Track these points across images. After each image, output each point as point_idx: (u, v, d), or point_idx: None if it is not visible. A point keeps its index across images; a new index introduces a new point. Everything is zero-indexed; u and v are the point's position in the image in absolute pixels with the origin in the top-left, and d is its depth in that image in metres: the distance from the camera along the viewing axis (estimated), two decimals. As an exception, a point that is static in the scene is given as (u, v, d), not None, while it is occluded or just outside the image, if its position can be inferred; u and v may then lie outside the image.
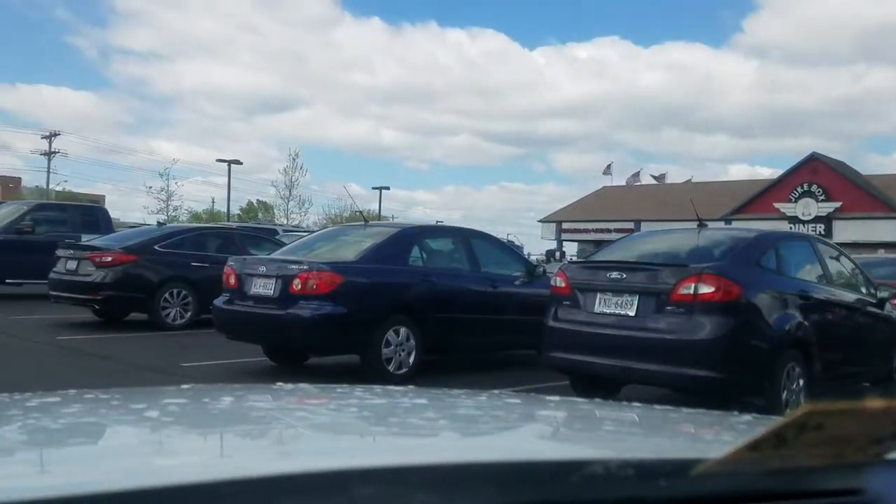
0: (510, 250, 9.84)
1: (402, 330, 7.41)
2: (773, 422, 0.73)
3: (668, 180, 50.15)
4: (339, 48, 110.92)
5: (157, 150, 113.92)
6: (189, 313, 10.74)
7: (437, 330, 7.64)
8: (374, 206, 48.76)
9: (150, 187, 46.53)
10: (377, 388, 1.56)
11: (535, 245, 48.79)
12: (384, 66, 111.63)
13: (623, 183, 51.33)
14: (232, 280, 7.80)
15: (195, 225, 13.45)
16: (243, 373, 7.69)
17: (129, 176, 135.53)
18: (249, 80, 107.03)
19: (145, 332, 10.33)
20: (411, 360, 7.46)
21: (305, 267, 7.23)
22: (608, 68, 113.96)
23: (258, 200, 59.83)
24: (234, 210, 52.96)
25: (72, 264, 10.86)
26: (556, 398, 1.46)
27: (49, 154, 49.51)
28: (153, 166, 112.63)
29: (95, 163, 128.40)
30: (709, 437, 1.23)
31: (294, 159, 49.11)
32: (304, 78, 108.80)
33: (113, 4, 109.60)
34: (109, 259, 10.56)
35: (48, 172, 49.45)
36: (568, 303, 6.38)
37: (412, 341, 7.46)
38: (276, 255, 8.54)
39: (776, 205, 37.05)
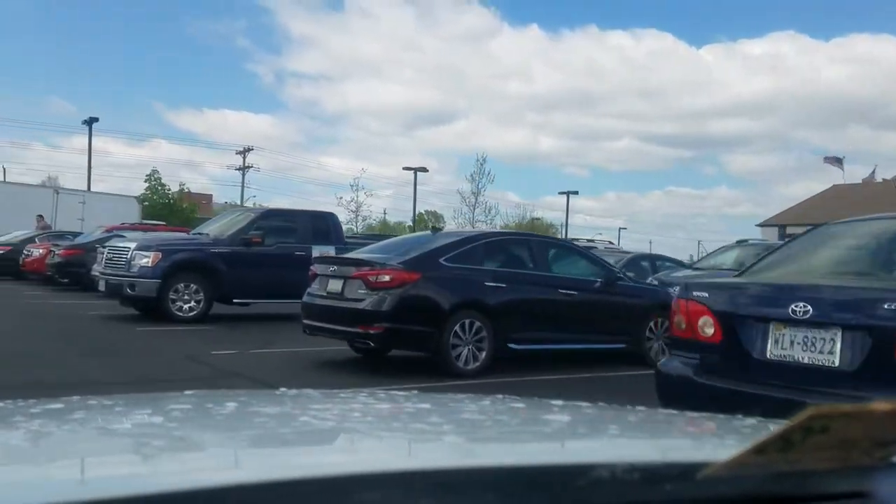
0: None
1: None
2: (778, 425, 0.73)
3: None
4: (497, 58, 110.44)
5: (328, 165, 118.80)
6: (484, 353, 7.88)
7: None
8: (536, 215, 50.21)
9: (341, 197, 46.87)
10: (381, 392, 1.57)
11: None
12: (543, 73, 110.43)
13: (858, 181, 46.85)
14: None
15: (482, 231, 10.74)
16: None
17: (307, 190, 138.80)
18: (410, 96, 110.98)
19: (423, 378, 7.51)
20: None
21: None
22: (784, 64, 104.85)
23: (427, 211, 58.75)
24: (404, 220, 52.11)
25: (335, 284, 8.08)
26: (560, 402, 1.45)
27: (243, 169, 51.35)
28: (327, 180, 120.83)
29: (277, 179, 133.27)
30: (713, 441, 1.24)
31: (482, 165, 47.24)
32: (463, 90, 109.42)
33: (287, 32, 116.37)
34: (387, 278, 7.69)
35: (242, 187, 51.19)
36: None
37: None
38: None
39: None
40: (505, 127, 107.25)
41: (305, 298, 8.59)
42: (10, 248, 21.45)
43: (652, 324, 9.15)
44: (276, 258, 12.03)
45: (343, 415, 1.36)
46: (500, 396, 1.50)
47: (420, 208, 59.62)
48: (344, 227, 17.52)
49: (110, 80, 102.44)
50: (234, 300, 12.06)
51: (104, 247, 12.87)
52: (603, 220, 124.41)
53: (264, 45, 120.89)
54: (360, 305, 7.71)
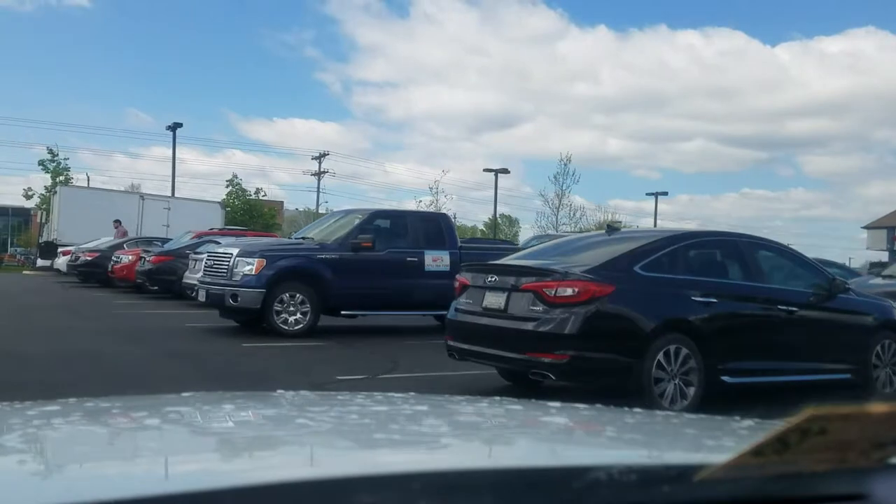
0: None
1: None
2: (775, 427, 0.73)
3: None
4: (564, 60, 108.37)
5: (392, 171, 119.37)
6: (692, 389, 6.05)
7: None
8: (606, 219, 44.89)
9: (420, 201, 43.57)
10: (378, 395, 1.56)
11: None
12: (610, 74, 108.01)
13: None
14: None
15: (677, 231, 7.86)
16: None
17: (374, 196, 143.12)
18: (475, 100, 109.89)
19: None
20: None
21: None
22: (864, 62, 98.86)
23: (501, 214, 54.77)
24: (468, 224, 50.37)
25: (495, 298, 6.38)
26: (558, 404, 1.45)
27: (318, 174, 50.53)
28: (395, 185, 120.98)
29: (346, 185, 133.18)
30: (711, 443, 1.22)
31: (566, 165, 43.98)
32: (528, 93, 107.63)
33: (353, 41, 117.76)
34: (573, 292, 5.93)
35: (318, 192, 50.53)
36: None
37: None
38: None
39: None
40: (572, 129, 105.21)
41: (452, 315, 6.87)
42: (97, 254, 20.89)
43: (879, 347, 7.28)
44: (387, 265, 10.70)
45: (340, 417, 1.36)
46: (498, 398, 1.50)
47: (486, 213, 58.40)
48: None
49: (185, 92, 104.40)
50: (342, 312, 10.62)
51: (203, 253, 12.11)
52: (675, 224, 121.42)
53: (332, 55, 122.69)
54: (535, 326, 5.99)
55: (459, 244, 11.69)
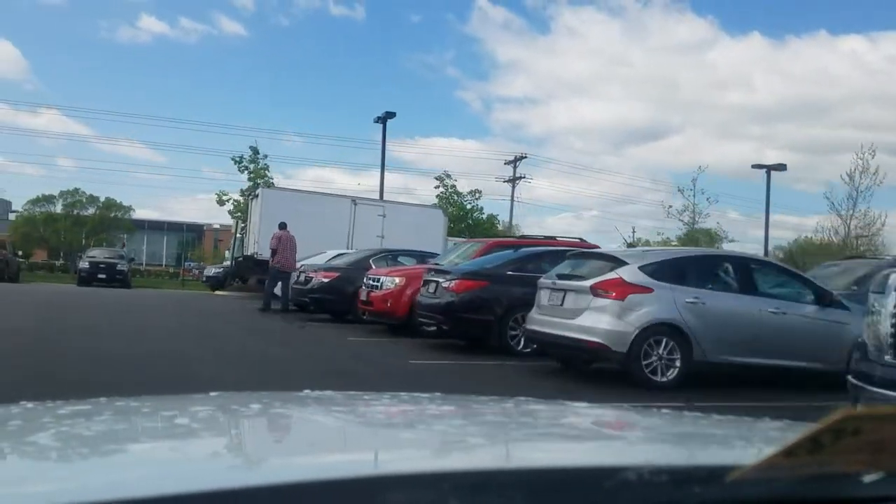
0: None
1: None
2: (807, 427, 0.72)
3: None
4: (714, 69, 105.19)
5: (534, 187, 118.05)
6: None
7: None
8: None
9: (670, 206, 37.96)
10: (404, 394, 1.58)
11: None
12: (766, 82, 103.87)
13: None
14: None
15: None
16: None
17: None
18: (618, 113, 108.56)
19: None
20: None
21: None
22: None
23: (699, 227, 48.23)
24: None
25: None
26: (584, 404, 1.45)
27: (513, 180, 42.95)
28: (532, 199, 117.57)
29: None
30: (741, 443, 1.21)
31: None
32: (676, 104, 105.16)
33: (494, 58, 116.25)
34: None
35: (512, 201, 42.65)
36: None
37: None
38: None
39: None
40: (724, 140, 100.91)
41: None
42: (336, 274, 14.84)
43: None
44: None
45: (367, 417, 1.38)
46: (523, 399, 1.50)
47: (626, 228, 51.42)
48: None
49: (338, 114, 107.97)
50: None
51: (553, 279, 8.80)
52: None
53: (472, 73, 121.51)
54: None
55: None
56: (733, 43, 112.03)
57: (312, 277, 15.37)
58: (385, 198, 29.87)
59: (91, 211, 67.55)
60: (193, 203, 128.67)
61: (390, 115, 33.02)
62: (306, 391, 1.58)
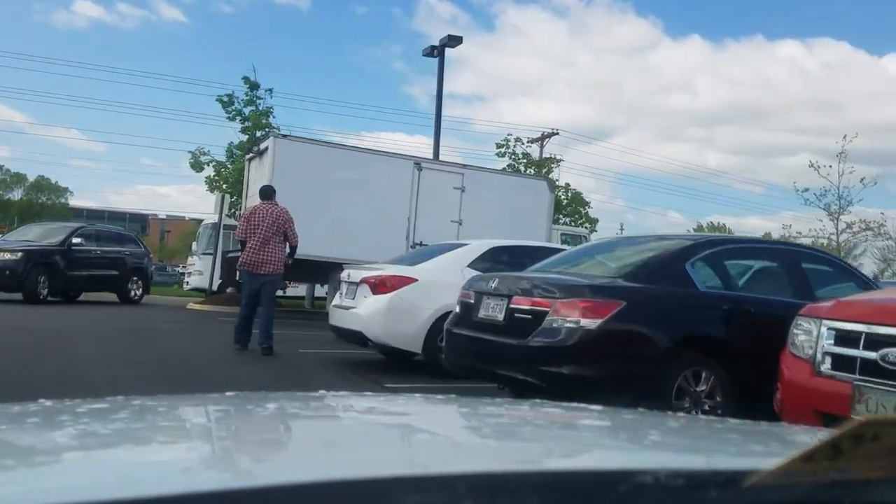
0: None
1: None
2: (826, 433, 0.71)
3: None
4: (657, 71, 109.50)
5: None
6: None
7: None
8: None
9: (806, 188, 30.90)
10: (418, 396, 1.57)
11: None
12: (706, 86, 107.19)
13: None
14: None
15: None
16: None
17: None
18: (563, 113, 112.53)
19: None
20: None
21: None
22: None
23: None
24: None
25: None
26: (599, 407, 1.44)
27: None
28: None
29: None
30: (759, 448, 1.20)
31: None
32: (620, 106, 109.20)
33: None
34: None
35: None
36: None
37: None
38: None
39: None
40: (667, 142, 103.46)
41: None
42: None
43: None
44: None
45: (381, 418, 1.37)
46: (538, 401, 1.50)
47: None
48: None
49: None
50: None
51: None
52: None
53: (421, 70, 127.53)
54: None
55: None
56: (675, 45, 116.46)
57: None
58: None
59: (16, 194, 56.91)
60: (135, 195, 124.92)
61: (454, 40, 22.08)
62: (321, 391, 1.58)
